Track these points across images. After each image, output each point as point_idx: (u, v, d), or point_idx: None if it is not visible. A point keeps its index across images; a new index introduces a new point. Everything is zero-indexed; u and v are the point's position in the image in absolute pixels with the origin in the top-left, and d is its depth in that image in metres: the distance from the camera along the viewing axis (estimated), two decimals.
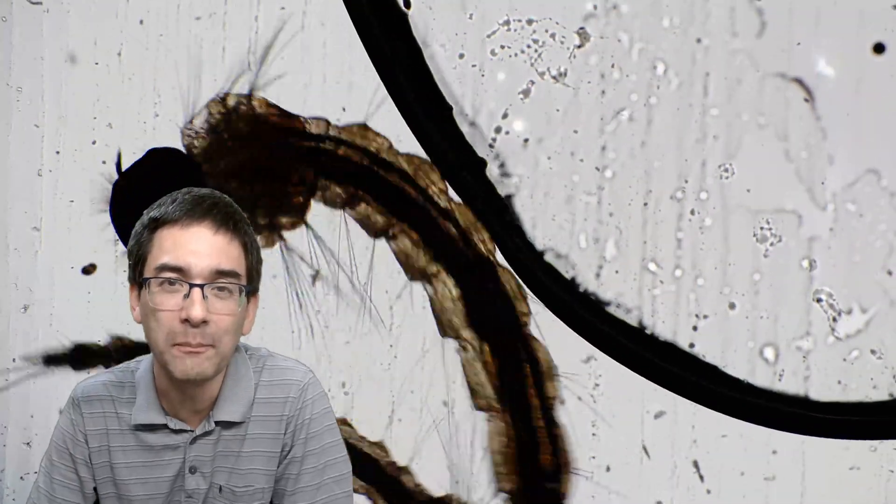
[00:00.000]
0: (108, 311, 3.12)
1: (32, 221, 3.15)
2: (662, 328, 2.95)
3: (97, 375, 2.20)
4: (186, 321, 1.99)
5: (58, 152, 3.15)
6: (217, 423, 2.12)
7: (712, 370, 2.95)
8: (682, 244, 2.93)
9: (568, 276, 2.96)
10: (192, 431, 2.12)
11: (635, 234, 2.96)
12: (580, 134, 2.97)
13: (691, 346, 2.94)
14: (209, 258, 2.01)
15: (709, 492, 2.96)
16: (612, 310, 2.95)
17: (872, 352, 2.89)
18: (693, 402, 2.96)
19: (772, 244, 2.90)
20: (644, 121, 2.95)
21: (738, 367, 2.94)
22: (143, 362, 2.17)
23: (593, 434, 2.99)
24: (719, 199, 2.93)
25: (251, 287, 2.09)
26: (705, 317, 2.93)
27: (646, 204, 2.95)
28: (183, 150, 3.03)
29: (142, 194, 2.80)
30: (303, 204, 2.99)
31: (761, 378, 2.93)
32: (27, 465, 3.18)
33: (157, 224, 2.04)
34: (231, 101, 3.02)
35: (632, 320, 2.96)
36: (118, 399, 2.14)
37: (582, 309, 2.94)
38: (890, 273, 2.87)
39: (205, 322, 2.00)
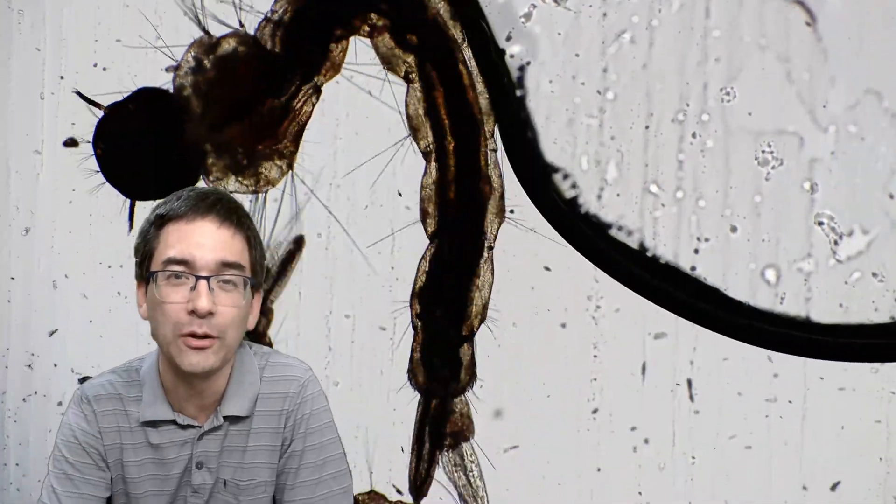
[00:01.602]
0: (109, 235, 3.19)
1: (34, 145, 3.22)
2: (664, 251, 3.01)
3: (101, 375, 2.27)
4: (193, 313, 2.08)
5: (61, 77, 3.21)
6: (225, 418, 2.19)
7: (714, 293, 3.01)
8: (683, 166, 2.99)
9: (569, 196, 3.03)
10: (200, 427, 2.20)
11: (637, 156, 3.02)
12: (581, 57, 3.03)
13: (693, 268, 3.00)
14: (214, 251, 2.11)
15: (707, 413, 3.01)
16: (613, 232, 3.01)
17: (874, 275, 2.94)
18: (694, 324, 3.02)
19: (773, 167, 2.96)
20: (645, 43, 3.01)
21: (739, 289, 3.00)
22: (147, 360, 2.25)
23: (594, 356, 3.05)
24: (721, 122, 2.98)
25: (255, 280, 2.18)
26: (706, 240, 3.00)
27: (647, 127, 3.01)
28: (172, 88, 3.08)
29: (125, 131, 2.90)
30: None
31: (763, 300, 2.99)
32: (29, 388, 3.26)
33: (162, 220, 2.13)
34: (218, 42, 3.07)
35: (633, 243, 3.02)
36: (126, 397, 2.22)
37: (585, 227, 3.00)
38: (891, 196, 2.93)
39: (211, 314, 2.08)
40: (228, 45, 3.01)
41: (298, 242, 3.09)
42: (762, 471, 2.99)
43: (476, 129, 2.99)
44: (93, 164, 3.13)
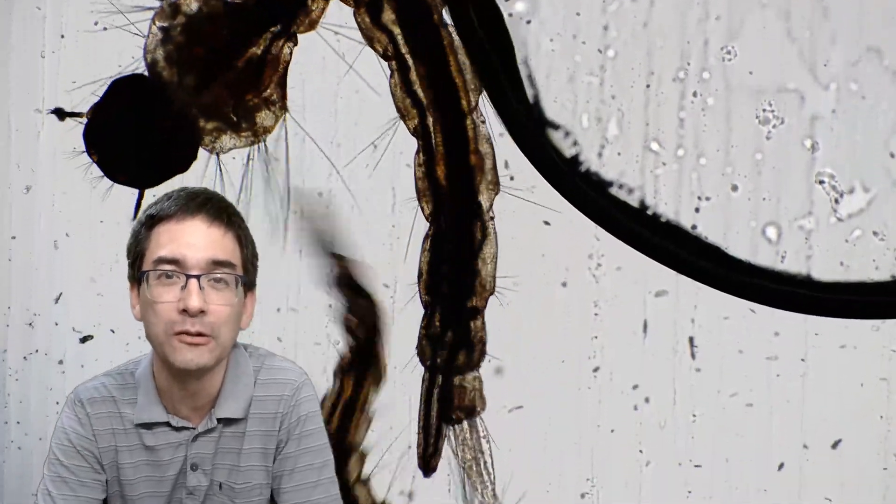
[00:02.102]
0: (111, 193, 3.19)
1: (34, 103, 3.24)
2: (665, 209, 3.04)
3: (95, 378, 2.28)
4: (184, 312, 2.10)
5: (62, 36, 3.23)
6: (219, 419, 2.21)
7: (715, 251, 3.03)
8: (684, 124, 3.01)
9: (569, 154, 3.05)
10: (194, 429, 2.21)
11: (637, 115, 3.04)
12: (582, 16, 3.05)
13: (693, 227, 3.02)
14: (204, 249, 2.13)
15: (708, 371, 3.04)
16: (614, 191, 3.04)
17: (875, 233, 2.97)
18: (695, 282, 3.04)
19: (774, 126, 2.98)
20: (646, 1, 3.03)
21: (740, 248, 3.02)
22: (142, 362, 2.26)
23: (595, 314, 3.08)
24: (721, 80, 3.01)
25: (247, 279, 2.20)
26: (707, 198, 3.02)
27: (648, 85, 3.03)
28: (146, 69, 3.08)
29: (113, 129, 2.92)
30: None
31: (764, 258, 3.01)
32: (30, 346, 3.28)
33: (153, 220, 2.16)
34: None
35: (633, 201, 3.04)
36: (120, 400, 2.23)
37: (585, 186, 3.02)
38: (892, 154, 2.95)
39: (202, 312, 2.10)
40: (190, 7, 3.01)
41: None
42: (763, 429, 3.02)
43: (458, 102, 3.00)
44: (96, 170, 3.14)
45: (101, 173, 3.11)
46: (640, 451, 3.07)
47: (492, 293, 3.05)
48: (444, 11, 3.00)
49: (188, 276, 2.10)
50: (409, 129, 3.03)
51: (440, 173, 3.02)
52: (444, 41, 3.01)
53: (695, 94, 3.01)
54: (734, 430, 3.02)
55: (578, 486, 3.09)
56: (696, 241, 3.03)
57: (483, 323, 3.06)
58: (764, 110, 2.98)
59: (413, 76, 3.00)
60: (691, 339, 3.01)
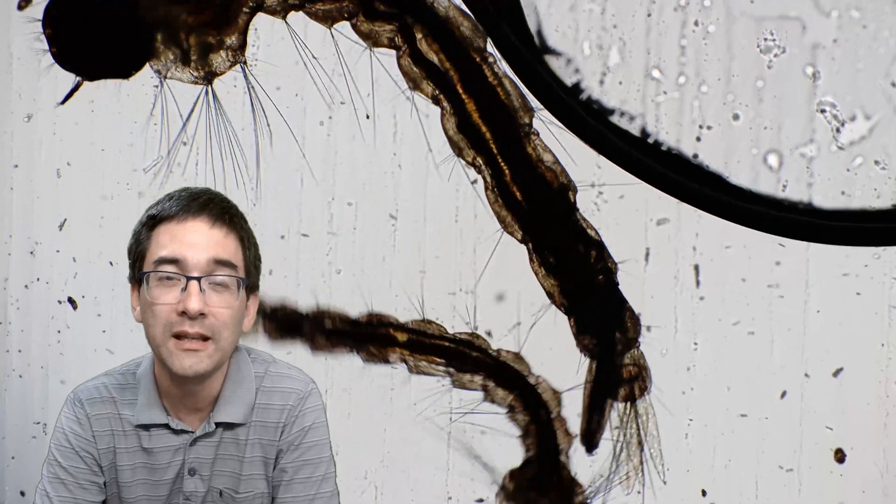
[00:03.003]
0: (112, 121, 3.25)
1: (35, 30, 3.27)
2: (666, 138, 3.07)
3: (96, 378, 2.28)
4: (184, 314, 2.08)
5: None
6: (217, 424, 2.20)
7: (716, 179, 3.06)
8: (685, 52, 3.05)
9: (571, 82, 3.09)
10: (193, 433, 2.20)
11: (639, 43, 3.07)
12: None
13: (695, 156, 3.06)
14: (206, 250, 2.11)
15: (710, 299, 3.07)
16: (615, 119, 3.07)
17: (876, 162, 3.00)
18: (696, 210, 3.08)
19: (775, 55, 3.01)
20: None
21: (741, 176, 3.05)
22: (144, 361, 2.25)
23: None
24: (723, 8, 3.04)
25: (249, 281, 2.18)
26: (709, 127, 3.05)
27: (649, 14, 3.06)
28: None
29: (76, 11, 2.93)
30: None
31: (765, 186, 3.04)
32: (31, 274, 3.32)
33: (154, 221, 2.15)
34: None
35: (635, 129, 3.08)
36: (120, 401, 2.22)
37: (587, 113, 3.06)
38: (893, 83, 2.98)
39: (202, 315, 2.09)
40: None
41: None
42: (764, 357, 3.05)
43: (515, 128, 3.04)
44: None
45: (48, 50, 3.12)
46: None
47: (616, 267, 3.09)
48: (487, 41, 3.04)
49: (188, 278, 2.09)
50: (467, 162, 3.07)
51: (519, 196, 3.06)
52: (490, 70, 3.05)
53: (696, 23, 3.04)
54: (736, 359, 3.04)
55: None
56: (697, 170, 3.06)
57: (627, 304, 3.10)
58: (765, 39, 3.01)
59: (469, 109, 3.04)
60: (696, 267, 3.04)
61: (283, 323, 3.12)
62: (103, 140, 3.25)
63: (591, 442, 3.13)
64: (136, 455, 2.20)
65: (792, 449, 3.05)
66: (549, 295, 3.10)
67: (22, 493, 3.34)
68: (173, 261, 2.10)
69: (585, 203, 3.10)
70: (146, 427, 2.19)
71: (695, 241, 3.07)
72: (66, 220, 3.30)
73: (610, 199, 3.11)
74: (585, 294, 3.08)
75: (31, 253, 3.31)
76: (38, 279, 3.30)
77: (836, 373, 3.03)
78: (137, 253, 2.15)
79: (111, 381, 2.25)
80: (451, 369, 3.09)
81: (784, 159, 3.03)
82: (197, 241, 2.11)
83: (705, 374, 3.08)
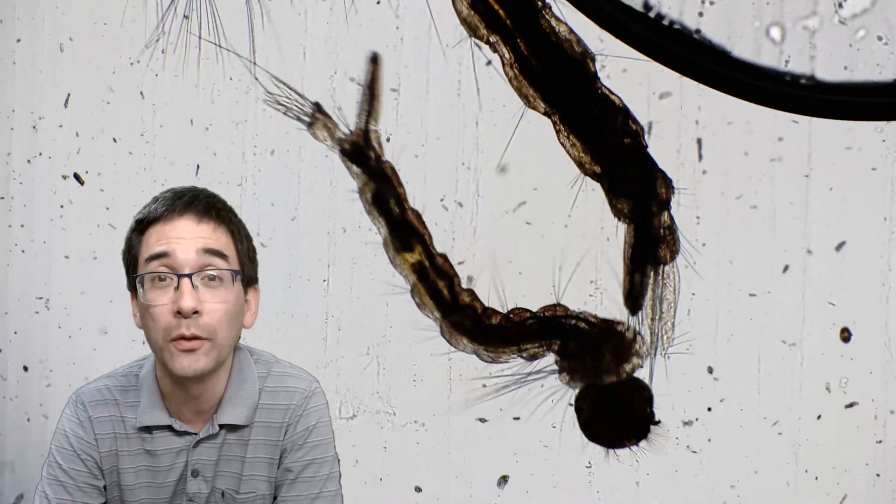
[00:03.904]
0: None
1: None
2: (668, 12, 3.10)
3: (98, 380, 2.29)
4: (179, 313, 2.09)
5: None
6: (221, 426, 2.21)
7: (720, 55, 3.09)
8: None
9: None
10: (196, 434, 2.21)
11: None
12: None
13: (697, 31, 3.09)
14: (195, 244, 2.13)
15: (712, 173, 3.11)
16: None
17: (879, 38, 3.03)
18: (699, 83, 3.11)
19: None
20: None
21: (744, 49, 3.08)
22: (147, 363, 2.26)
23: None
24: None
25: (243, 274, 2.19)
26: (711, 3, 3.08)
27: None
28: None
29: None
30: None
31: (767, 60, 3.07)
32: (34, 149, 3.37)
33: (142, 225, 2.16)
34: None
35: (636, 3, 3.10)
36: (122, 403, 2.23)
37: None
38: None
39: (197, 312, 2.09)
40: None
41: (375, 60, 3.15)
42: (766, 231, 3.09)
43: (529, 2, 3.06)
44: None
45: None
46: None
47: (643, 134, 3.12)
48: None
49: (179, 276, 2.10)
50: (482, 41, 3.09)
51: (541, 69, 3.08)
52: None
53: None
54: (738, 232, 3.09)
55: (584, 291, 3.15)
56: (699, 44, 3.09)
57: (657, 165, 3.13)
58: None
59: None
60: (699, 141, 3.08)
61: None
62: (106, 15, 3.28)
63: (634, 304, 3.15)
64: (139, 458, 2.22)
65: (794, 324, 3.08)
66: (579, 164, 3.12)
67: (25, 368, 3.39)
68: (163, 257, 2.12)
69: None
70: (149, 429, 2.21)
71: (697, 114, 3.10)
72: (69, 94, 3.33)
73: (612, 74, 3.13)
74: (616, 158, 3.10)
75: (34, 128, 3.35)
76: (40, 154, 3.34)
77: (839, 247, 3.07)
78: (130, 258, 2.18)
79: (113, 382, 2.26)
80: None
81: (787, 32, 3.06)
82: (185, 236, 2.13)
83: (708, 248, 3.12)
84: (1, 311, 3.43)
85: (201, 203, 2.17)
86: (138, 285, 2.13)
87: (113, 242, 3.29)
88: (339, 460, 2.30)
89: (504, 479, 3.23)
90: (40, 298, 3.39)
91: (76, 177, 3.34)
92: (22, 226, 3.38)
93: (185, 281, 2.10)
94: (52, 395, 3.37)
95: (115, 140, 3.31)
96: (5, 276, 3.39)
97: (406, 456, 3.25)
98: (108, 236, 3.30)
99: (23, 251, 3.38)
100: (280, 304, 3.22)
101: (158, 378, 2.22)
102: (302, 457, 2.24)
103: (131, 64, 3.28)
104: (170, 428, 2.21)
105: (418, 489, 3.25)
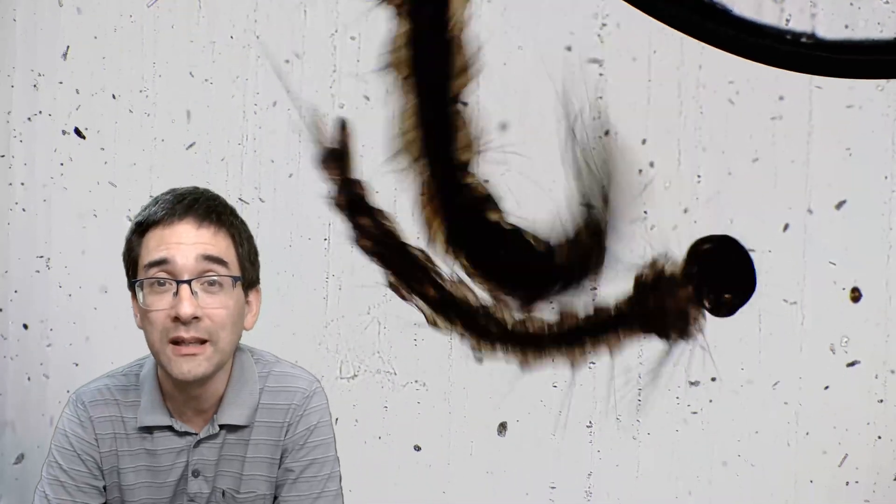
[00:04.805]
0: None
1: None
2: None
3: (98, 380, 2.29)
4: (178, 319, 2.09)
5: None
6: (221, 426, 2.22)
7: (721, 13, 3.12)
8: None
9: None
10: (196, 434, 2.22)
11: None
12: None
13: None
14: (194, 252, 2.12)
15: (712, 131, 3.14)
16: None
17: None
18: (699, 42, 3.14)
19: None
20: None
21: (745, 6, 3.11)
22: (147, 363, 2.26)
23: (600, 74, 3.17)
24: None
25: (244, 278, 2.20)
26: None
27: None
28: None
29: None
30: None
31: (768, 18, 3.10)
32: (34, 107, 3.40)
33: (142, 227, 2.16)
34: None
35: None
36: (123, 403, 2.23)
37: None
38: None
39: (196, 318, 2.10)
40: None
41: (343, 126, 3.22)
42: (768, 187, 3.11)
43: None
44: None
45: None
46: (645, 213, 3.16)
47: None
48: None
49: (178, 283, 2.11)
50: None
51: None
52: None
53: None
54: (739, 190, 3.11)
55: None
56: (700, 3, 3.12)
57: None
58: None
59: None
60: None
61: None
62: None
63: None
64: (139, 457, 2.23)
65: (795, 282, 3.11)
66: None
67: (25, 326, 3.43)
68: (162, 264, 2.12)
69: (589, 35, 3.15)
70: (150, 429, 2.22)
71: (698, 73, 3.12)
72: (68, 47, 3.35)
73: (612, 31, 3.16)
74: None
75: (34, 86, 3.37)
76: (40, 112, 3.37)
77: (840, 205, 3.09)
78: (130, 261, 2.18)
79: (114, 382, 2.26)
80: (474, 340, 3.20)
81: None
82: (184, 242, 2.13)
83: (709, 207, 3.15)
84: (1, 270, 3.46)
85: (201, 207, 2.17)
86: (137, 289, 2.15)
87: (113, 201, 3.33)
88: (339, 460, 2.30)
89: (503, 426, 3.26)
90: (41, 257, 3.42)
91: (77, 132, 3.36)
92: (22, 184, 3.41)
93: (184, 287, 2.11)
94: (52, 354, 3.40)
95: (114, 97, 3.33)
96: (6, 235, 3.42)
97: (406, 415, 3.28)
98: (108, 193, 3.34)
99: (23, 210, 3.41)
100: (281, 264, 3.24)
101: (160, 378, 2.23)
102: (303, 457, 2.25)
103: (132, 22, 3.30)
104: (170, 428, 2.22)
105: (417, 448, 3.28)
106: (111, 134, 3.36)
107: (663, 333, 3.15)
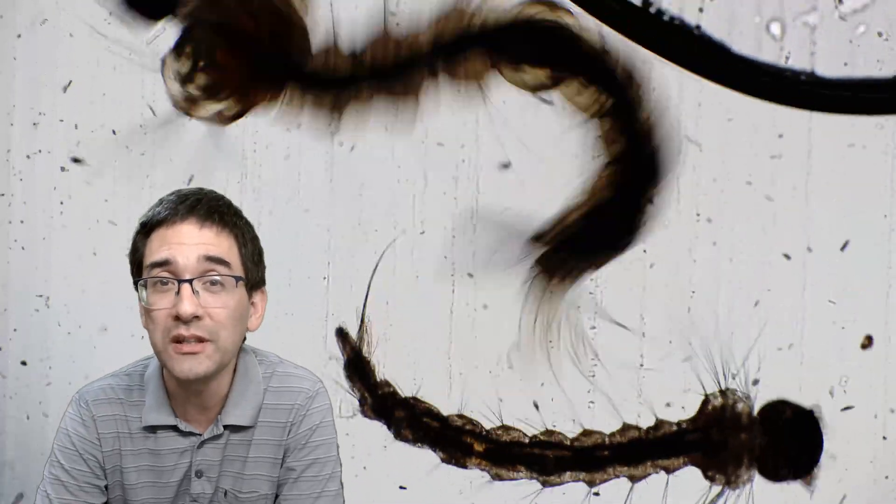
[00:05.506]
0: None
1: None
2: (668, 6, 3.14)
3: (101, 379, 2.32)
4: (178, 317, 2.12)
5: None
6: (225, 427, 2.24)
7: (720, 50, 3.14)
8: None
9: None
10: (200, 435, 2.24)
11: None
12: None
13: (697, 27, 3.13)
14: (196, 252, 2.15)
15: (713, 166, 3.16)
16: None
17: (879, 34, 3.07)
18: (699, 78, 3.16)
19: None
20: None
21: (744, 45, 3.12)
22: (151, 363, 2.29)
23: None
24: None
25: (248, 279, 2.23)
26: None
27: None
28: None
29: None
30: None
31: (768, 55, 3.12)
32: (34, 145, 3.42)
33: (146, 228, 2.20)
34: None
35: None
36: (127, 402, 2.26)
37: None
38: None
39: (197, 317, 2.13)
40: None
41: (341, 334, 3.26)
42: (768, 221, 3.12)
43: None
44: None
45: None
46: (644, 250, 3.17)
47: None
48: None
49: (180, 282, 2.14)
50: None
51: None
52: None
53: None
54: (737, 227, 3.12)
55: None
56: (699, 40, 3.14)
57: None
58: None
59: None
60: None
61: (380, 403, 3.24)
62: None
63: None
64: (143, 457, 2.25)
65: (794, 323, 3.12)
66: None
67: (23, 363, 3.44)
68: (165, 264, 2.16)
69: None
70: (154, 429, 2.24)
71: (697, 111, 3.14)
72: (70, 81, 3.37)
73: None
74: None
75: (34, 124, 3.39)
76: (39, 151, 3.38)
77: (843, 246, 3.10)
78: (135, 261, 2.21)
79: (117, 381, 2.29)
80: (535, 474, 3.19)
81: (787, 28, 3.10)
82: (186, 242, 2.16)
83: (707, 245, 3.16)
84: (0, 308, 3.47)
85: (204, 207, 2.20)
86: (141, 289, 2.18)
87: (113, 240, 3.33)
88: (340, 461, 2.32)
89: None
90: (40, 296, 3.43)
91: (74, 160, 3.36)
92: (21, 222, 3.41)
93: (186, 286, 2.14)
94: (52, 393, 3.41)
95: (114, 132, 3.35)
96: (5, 273, 3.43)
97: (405, 452, 3.28)
98: (106, 231, 3.35)
99: (23, 248, 3.42)
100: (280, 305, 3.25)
101: (165, 378, 2.25)
102: (305, 456, 2.27)
103: (131, 58, 3.32)
104: (175, 428, 2.24)
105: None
106: (110, 169, 3.37)
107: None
